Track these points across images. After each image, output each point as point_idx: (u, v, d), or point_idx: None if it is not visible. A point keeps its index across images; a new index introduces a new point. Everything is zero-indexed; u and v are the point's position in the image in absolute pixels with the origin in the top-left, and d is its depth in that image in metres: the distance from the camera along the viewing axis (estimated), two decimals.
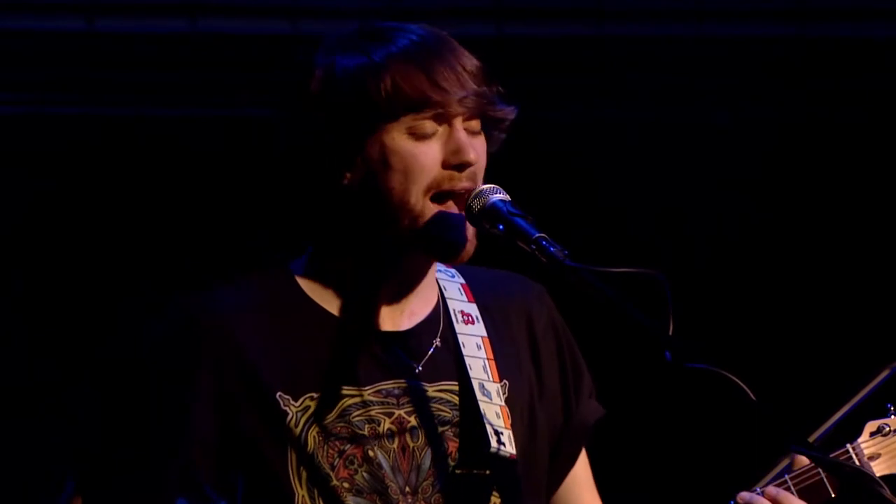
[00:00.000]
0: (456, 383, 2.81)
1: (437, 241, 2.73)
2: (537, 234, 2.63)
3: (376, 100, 2.70)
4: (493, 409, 2.80)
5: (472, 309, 2.88)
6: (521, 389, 2.88)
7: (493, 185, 2.73)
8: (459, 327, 2.84)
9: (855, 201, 5.95)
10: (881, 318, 5.70)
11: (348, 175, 2.74)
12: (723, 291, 5.93)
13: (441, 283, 2.88)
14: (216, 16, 5.56)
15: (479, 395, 2.80)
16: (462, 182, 2.73)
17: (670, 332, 2.50)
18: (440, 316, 2.85)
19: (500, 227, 2.67)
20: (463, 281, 2.91)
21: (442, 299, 2.87)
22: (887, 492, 2.48)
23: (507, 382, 2.86)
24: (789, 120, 5.91)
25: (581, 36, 5.68)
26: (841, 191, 5.96)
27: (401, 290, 2.81)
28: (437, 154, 2.72)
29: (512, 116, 2.80)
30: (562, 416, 2.95)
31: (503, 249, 2.72)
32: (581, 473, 3.01)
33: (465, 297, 2.89)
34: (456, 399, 2.81)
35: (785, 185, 5.95)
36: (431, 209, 2.73)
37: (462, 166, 2.73)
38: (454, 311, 2.86)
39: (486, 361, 2.84)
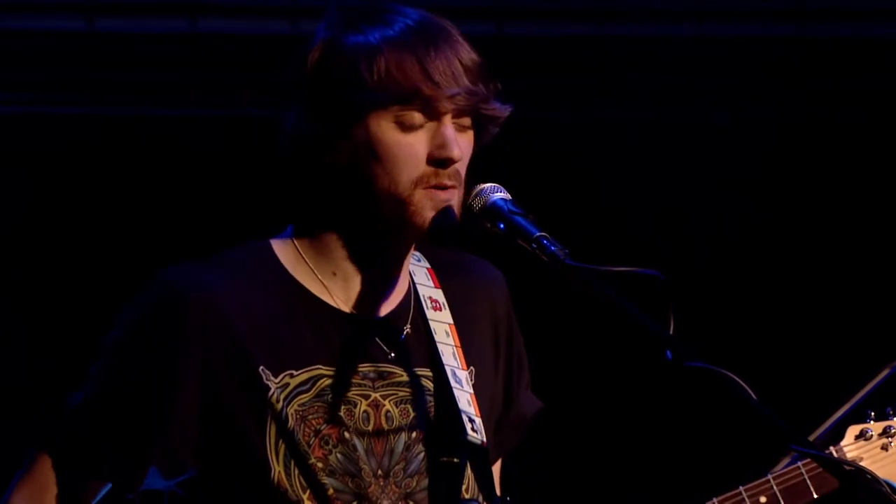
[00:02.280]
0: (428, 369, 2.83)
1: (423, 224, 2.74)
2: (538, 234, 2.63)
3: (367, 85, 2.71)
4: (465, 396, 2.82)
5: (439, 295, 2.89)
6: (485, 376, 2.89)
7: (493, 184, 2.74)
8: (429, 313, 2.85)
9: (855, 201, 5.95)
10: (881, 318, 5.70)
11: (335, 154, 2.75)
12: (723, 291, 5.93)
13: (411, 267, 2.88)
14: (216, 16, 5.56)
15: (452, 382, 2.81)
16: (445, 179, 2.74)
17: (670, 332, 2.51)
18: (411, 302, 2.86)
19: (501, 225, 2.68)
20: (428, 265, 2.92)
21: (412, 284, 2.87)
22: (886, 489, 2.48)
23: (473, 369, 2.87)
24: (789, 120, 5.92)
25: (581, 36, 5.68)
26: (841, 191, 5.96)
27: (378, 275, 2.82)
28: (423, 146, 2.73)
29: (505, 115, 2.80)
30: (502, 404, 2.96)
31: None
32: (496, 467, 3.03)
33: (431, 283, 2.90)
34: (429, 385, 2.82)
35: (785, 185, 5.95)
36: (419, 197, 2.73)
37: (445, 162, 2.74)
38: (423, 296, 2.87)
39: (455, 349, 2.85)
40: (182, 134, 5.66)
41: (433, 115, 2.73)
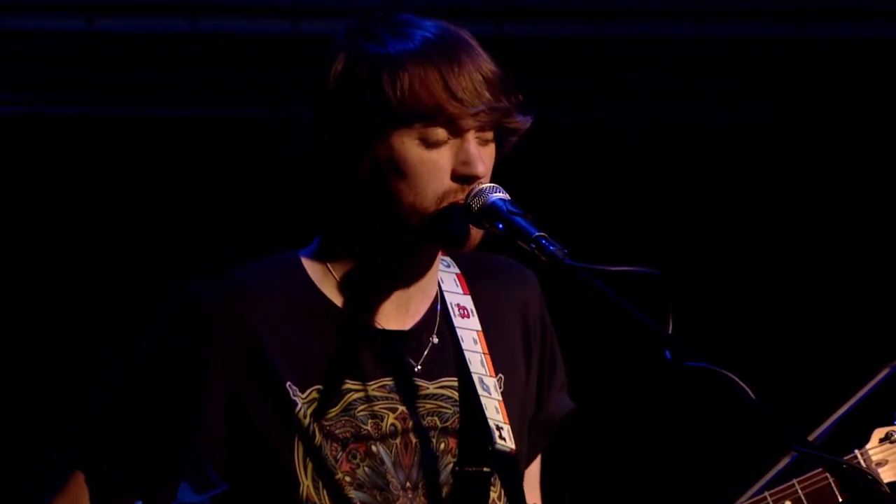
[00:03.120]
0: (455, 379, 2.82)
1: (447, 232, 2.74)
2: (537, 233, 2.63)
3: (391, 102, 2.70)
4: (493, 403, 2.81)
5: (468, 302, 2.88)
6: (514, 382, 2.89)
7: (492, 184, 2.74)
8: (457, 321, 2.85)
9: (855, 201, 5.95)
10: (881, 318, 5.70)
11: (359, 168, 2.75)
12: (723, 291, 5.93)
13: (439, 274, 2.88)
14: (216, 16, 5.56)
15: (479, 391, 2.80)
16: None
17: (670, 332, 2.50)
18: (437, 311, 2.86)
19: (500, 225, 2.67)
20: (458, 271, 2.92)
21: (440, 293, 2.87)
22: (886, 489, 2.48)
23: (502, 376, 2.87)
24: (789, 120, 5.92)
25: (581, 36, 5.68)
26: (841, 191, 5.96)
27: (405, 287, 2.82)
28: (447, 162, 2.73)
29: (527, 126, 2.80)
30: (534, 406, 2.96)
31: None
32: (534, 469, 3.02)
33: (460, 290, 2.89)
34: (456, 395, 2.82)
35: (785, 186, 5.95)
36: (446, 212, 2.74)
37: (470, 179, 2.73)
38: (451, 304, 2.86)
39: (483, 356, 2.85)
40: (182, 134, 5.66)
41: (456, 131, 2.73)
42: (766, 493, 2.95)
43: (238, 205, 5.57)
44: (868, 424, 3.08)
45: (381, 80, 2.71)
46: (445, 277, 2.89)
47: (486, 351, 2.85)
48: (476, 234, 2.75)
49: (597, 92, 5.82)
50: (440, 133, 2.72)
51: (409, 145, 2.72)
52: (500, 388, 2.85)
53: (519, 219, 2.66)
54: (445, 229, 2.73)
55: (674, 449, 5.80)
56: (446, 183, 2.73)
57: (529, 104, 2.84)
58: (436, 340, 2.83)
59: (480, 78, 2.74)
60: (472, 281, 2.91)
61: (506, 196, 2.71)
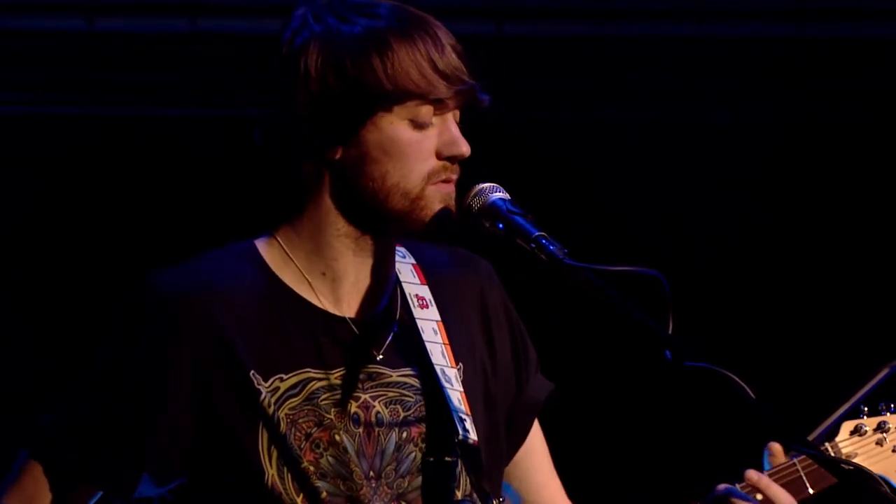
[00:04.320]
0: (416, 369, 2.82)
1: (430, 216, 2.74)
2: (537, 233, 2.63)
3: (382, 83, 2.69)
4: (455, 394, 2.81)
5: (426, 292, 2.87)
6: (475, 371, 2.88)
7: (492, 184, 2.74)
8: (416, 311, 2.84)
9: (855, 201, 5.96)
10: (881, 318, 5.70)
11: (340, 151, 2.74)
12: (723, 291, 5.93)
13: (396, 265, 2.87)
14: (216, 16, 5.56)
15: (441, 381, 2.80)
16: (451, 173, 2.75)
17: (670, 332, 2.50)
18: (398, 301, 2.85)
19: (500, 225, 2.67)
20: (413, 261, 2.90)
21: (399, 284, 2.86)
22: (885, 488, 2.48)
23: (461, 365, 2.86)
24: (789, 120, 5.92)
25: (581, 36, 5.68)
26: (840, 191, 5.96)
27: (365, 276, 2.81)
28: (432, 142, 2.73)
29: (487, 104, 2.81)
30: (514, 391, 2.95)
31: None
32: (536, 443, 3.02)
33: (417, 280, 2.88)
34: (418, 384, 2.81)
35: (785, 185, 5.95)
36: (430, 191, 2.73)
37: (457, 158, 2.74)
38: (410, 294, 2.86)
39: (443, 346, 2.84)
40: (182, 134, 5.67)
41: (442, 110, 2.73)
42: (737, 486, 2.95)
43: (238, 205, 5.57)
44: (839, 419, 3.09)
45: (371, 61, 2.70)
46: (402, 268, 2.88)
47: (447, 341, 2.85)
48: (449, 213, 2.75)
49: (597, 92, 5.82)
50: (427, 114, 2.72)
51: (398, 126, 2.71)
52: (461, 377, 2.85)
53: (519, 218, 2.66)
54: (426, 211, 2.73)
55: (672, 448, 5.80)
56: (432, 163, 2.73)
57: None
58: (397, 330, 2.83)
59: (455, 55, 2.74)
60: (429, 271, 2.90)
61: (506, 196, 2.71)
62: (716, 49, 5.75)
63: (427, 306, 2.86)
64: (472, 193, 2.72)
